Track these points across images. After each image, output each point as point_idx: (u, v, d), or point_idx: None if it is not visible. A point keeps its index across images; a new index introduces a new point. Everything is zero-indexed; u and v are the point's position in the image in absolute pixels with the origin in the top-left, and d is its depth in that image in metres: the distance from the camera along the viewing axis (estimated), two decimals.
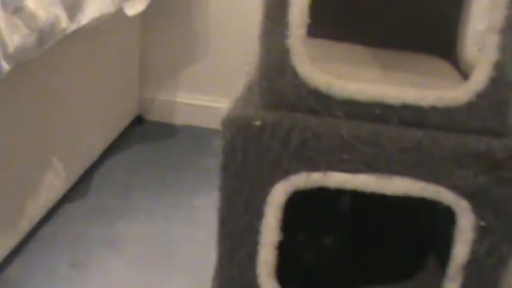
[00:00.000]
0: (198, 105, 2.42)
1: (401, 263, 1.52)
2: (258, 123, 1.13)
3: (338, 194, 1.33)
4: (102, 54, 2.03)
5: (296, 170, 1.16)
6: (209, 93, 2.42)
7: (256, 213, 1.20)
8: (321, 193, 1.23)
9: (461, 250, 1.23)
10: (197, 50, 2.47)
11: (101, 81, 2.07)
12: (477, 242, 1.21)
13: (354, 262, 1.46)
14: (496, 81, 1.12)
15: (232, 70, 1.90)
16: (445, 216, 1.24)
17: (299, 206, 1.26)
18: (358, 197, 1.35)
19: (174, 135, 2.46)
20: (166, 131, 2.47)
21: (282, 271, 1.30)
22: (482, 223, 1.19)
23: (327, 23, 1.34)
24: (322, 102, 1.15)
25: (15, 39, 1.31)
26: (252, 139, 1.14)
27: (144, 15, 2.10)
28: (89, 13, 1.60)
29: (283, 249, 1.27)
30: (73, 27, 1.53)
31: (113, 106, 2.23)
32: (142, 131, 2.45)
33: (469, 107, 1.15)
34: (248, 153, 1.15)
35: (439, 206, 1.20)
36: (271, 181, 1.17)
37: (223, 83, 2.13)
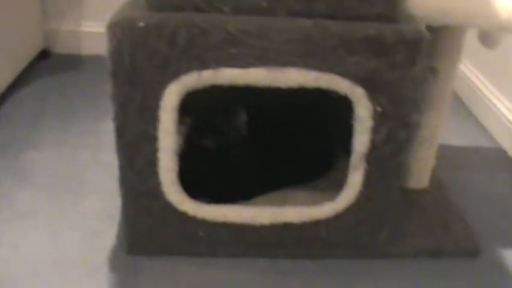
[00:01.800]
0: (103, 33, 2.34)
1: (310, 162, 1.52)
2: (142, 24, 1.10)
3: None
4: None
5: (186, 70, 1.14)
6: None
7: (152, 119, 1.18)
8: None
9: (361, 139, 1.24)
10: None
11: (1, 15, 1.98)
12: (375, 130, 1.22)
13: (261, 167, 1.45)
14: None
15: None
16: (346, 110, 1.23)
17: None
18: (262, 100, 1.34)
19: (80, 65, 2.40)
20: (72, 63, 2.42)
21: (188, 178, 1.28)
22: (379, 109, 1.20)
23: None
24: None
25: None
26: (138, 41, 1.11)
27: None
28: None
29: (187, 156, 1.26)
30: None
31: (16, 40, 2.15)
32: (48, 64, 2.38)
33: None
34: (136, 57, 1.12)
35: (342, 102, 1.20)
36: (162, 84, 1.15)
37: None
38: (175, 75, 1.13)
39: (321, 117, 1.55)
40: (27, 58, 2.26)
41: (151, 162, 1.21)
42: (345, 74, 1.16)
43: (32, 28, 2.32)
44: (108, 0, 2.22)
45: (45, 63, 2.39)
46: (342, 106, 1.22)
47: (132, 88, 1.15)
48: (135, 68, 1.13)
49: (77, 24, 2.46)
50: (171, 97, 1.15)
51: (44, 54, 2.40)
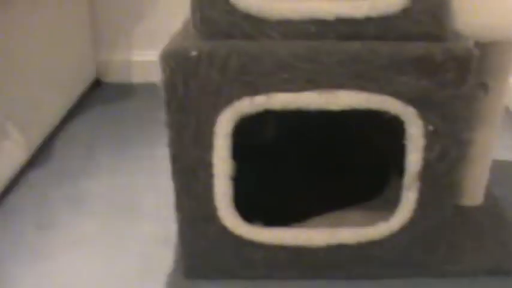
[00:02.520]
0: (153, 61, 2.39)
1: (364, 183, 1.53)
2: (194, 53, 1.13)
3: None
4: (50, 17, 2.00)
5: (239, 96, 1.16)
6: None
7: (206, 145, 1.20)
8: None
9: (413, 158, 1.24)
10: (147, 5, 2.44)
11: (53, 44, 2.04)
12: (428, 148, 1.22)
13: (315, 189, 1.47)
14: None
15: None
16: (398, 130, 1.24)
17: None
18: (314, 124, 1.35)
19: (132, 93, 2.45)
20: (124, 91, 2.47)
21: (244, 202, 1.30)
22: (431, 128, 1.20)
23: None
24: (255, 26, 1.15)
25: None
26: (190, 71, 1.14)
27: None
28: None
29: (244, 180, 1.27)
30: None
31: (69, 70, 2.22)
32: (101, 94, 2.43)
33: (404, 12, 1.15)
34: (189, 86, 1.15)
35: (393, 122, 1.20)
36: (216, 110, 1.17)
37: None
38: (228, 101, 1.16)
39: (374, 137, 1.56)
40: (80, 88, 2.32)
41: (207, 188, 1.24)
42: (395, 94, 1.17)
43: (84, 58, 2.38)
44: (156, 29, 2.31)
45: (98, 92, 2.44)
46: (395, 126, 1.22)
47: (187, 115, 1.17)
48: (189, 96, 1.16)
49: (128, 53, 2.51)
50: (224, 123, 1.17)
51: (97, 83, 2.46)
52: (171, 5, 2.40)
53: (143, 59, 2.49)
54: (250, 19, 1.14)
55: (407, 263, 1.36)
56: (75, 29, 2.30)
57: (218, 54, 1.13)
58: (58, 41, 2.09)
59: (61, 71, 2.12)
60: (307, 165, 1.48)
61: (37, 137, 1.92)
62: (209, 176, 1.23)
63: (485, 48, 1.30)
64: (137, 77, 2.54)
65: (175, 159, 1.22)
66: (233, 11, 1.14)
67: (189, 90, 1.15)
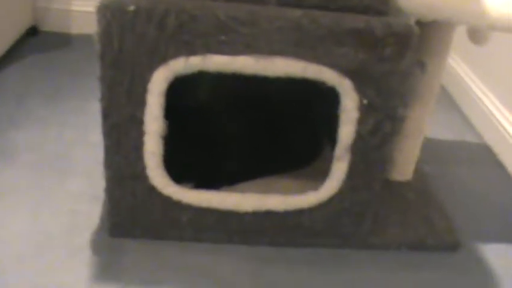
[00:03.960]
0: (93, 12, 2.32)
1: (296, 151, 1.53)
2: (132, 8, 1.10)
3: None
4: None
5: (175, 55, 1.13)
6: None
7: (139, 102, 1.18)
8: None
9: (346, 130, 1.24)
10: None
11: None
12: (361, 121, 1.23)
13: (248, 153, 1.46)
14: None
15: None
16: (334, 101, 1.24)
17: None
18: (251, 89, 1.34)
19: (69, 44, 2.39)
20: (61, 41, 2.40)
21: (176, 162, 1.29)
22: (365, 101, 1.20)
23: None
24: None
25: None
26: (127, 25, 1.11)
27: None
28: None
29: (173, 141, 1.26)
30: None
31: (4, 16, 2.13)
32: (36, 42, 2.36)
33: None
34: (124, 40, 1.12)
35: (329, 93, 1.20)
36: (150, 68, 1.15)
37: None
38: (163, 60, 1.14)
39: (309, 107, 1.56)
40: (15, 34, 2.24)
41: (137, 146, 1.22)
42: (332, 65, 1.16)
43: (21, 4, 2.29)
44: None
45: (34, 40, 2.37)
46: (330, 96, 1.22)
47: (120, 71, 1.15)
48: (124, 51, 1.13)
49: (67, 2, 2.44)
50: (158, 82, 1.15)
51: (32, 31, 2.38)
52: None
53: (83, 10, 2.42)
54: None
55: (334, 233, 1.38)
56: None
57: (156, 10, 1.10)
58: None
59: None
60: (242, 129, 1.47)
61: None
62: (140, 134, 1.21)
63: (426, 28, 1.31)
64: (76, 28, 2.47)
65: (107, 114, 1.19)
66: None
67: (124, 45, 1.12)
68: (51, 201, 1.45)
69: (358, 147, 1.26)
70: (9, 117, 1.79)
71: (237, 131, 1.46)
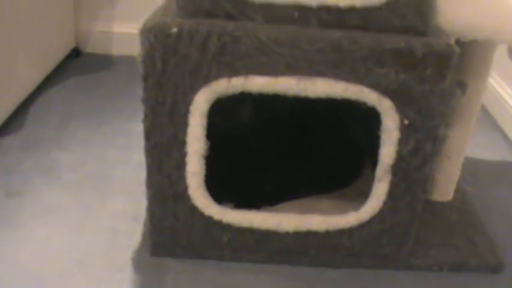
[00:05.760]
0: (135, 34, 2.37)
1: (337, 171, 1.53)
2: (174, 30, 1.12)
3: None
4: None
5: (217, 76, 1.15)
6: None
7: (181, 123, 1.19)
8: None
9: (387, 150, 1.24)
10: None
11: (32, 10, 2.01)
12: (402, 142, 1.22)
13: (288, 174, 1.47)
14: None
15: None
16: (375, 122, 1.24)
17: None
18: (291, 110, 1.35)
19: (111, 66, 2.43)
20: (103, 62, 2.44)
21: (217, 183, 1.30)
22: (406, 121, 1.20)
23: None
24: (238, 7, 1.14)
25: None
26: (170, 47, 1.13)
27: None
28: None
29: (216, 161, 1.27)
30: None
31: (48, 39, 2.18)
32: (79, 64, 2.41)
33: (388, 5, 1.15)
34: (167, 62, 1.14)
35: (370, 113, 1.20)
36: (192, 89, 1.16)
37: None
38: (205, 81, 1.15)
39: (350, 127, 1.56)
40: (58, 56, 2.29)
41: (179, 166, 1.23)
42: (373, 86, 1.16)
43: (63, 27, 2.34)
44: (140, 1, 2.27)
45: (77, 61, 2.41)
46: (371, 116, 1.23)
47: (163, 92, 1.16)
48: (167, 72, 1.15)
49: (109, 24, 2.48)
50: (200, 103, 1.17)
51: (75, 53, 2.43)
52: None
53: (125, 31, 2.47)
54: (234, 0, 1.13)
55: (374, 254, 1.37)
56: None
57: (199, 32, 1.11)
58: (37, 7, 2.06)
59: (39, 38, 2.09)
60: (282, 150, 1.48)
61: (11, 104, 1.89)
62: (182, 154, 1.22)
63: (466, 47, 1.30)
64: (118, 49, 2.51)
65: (149, 135, 1.21)
66: None
67: (167, 66, 1.14)
68: (93, 220, 1.47)
69: (399, 167, 1.25)
70: (53, 137, 1.82)
71: (278, 151, 1.47)
